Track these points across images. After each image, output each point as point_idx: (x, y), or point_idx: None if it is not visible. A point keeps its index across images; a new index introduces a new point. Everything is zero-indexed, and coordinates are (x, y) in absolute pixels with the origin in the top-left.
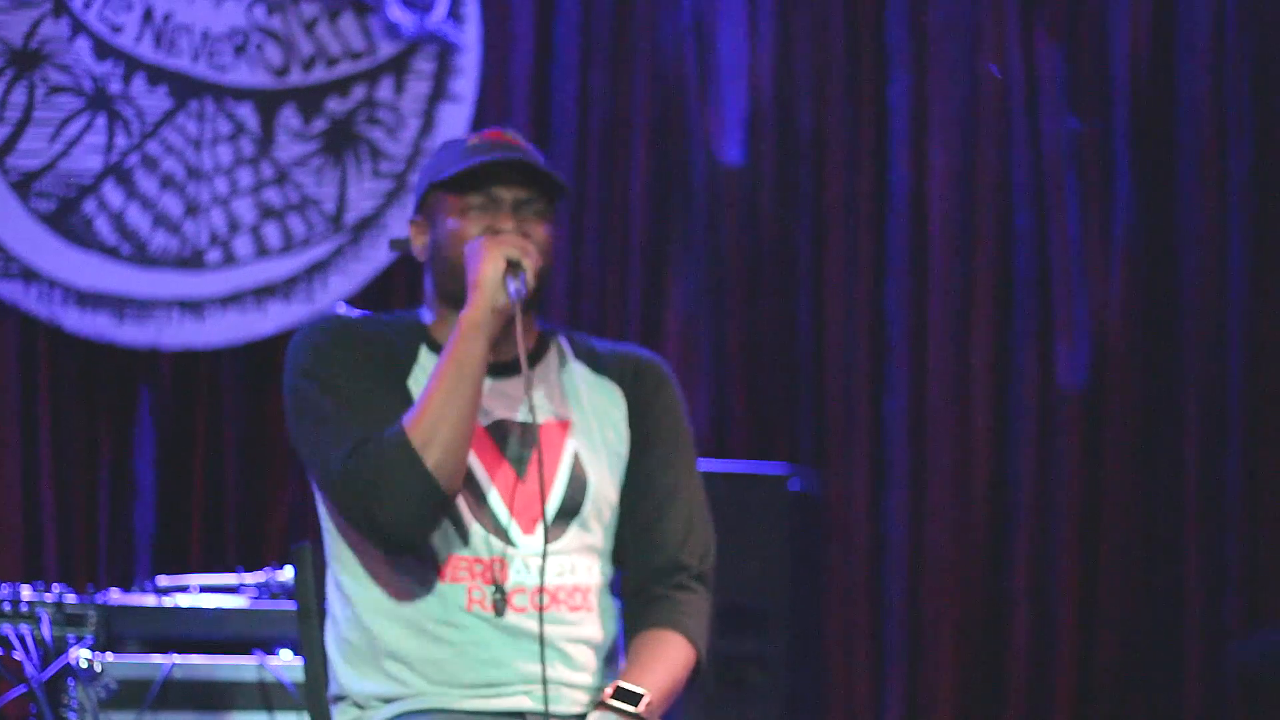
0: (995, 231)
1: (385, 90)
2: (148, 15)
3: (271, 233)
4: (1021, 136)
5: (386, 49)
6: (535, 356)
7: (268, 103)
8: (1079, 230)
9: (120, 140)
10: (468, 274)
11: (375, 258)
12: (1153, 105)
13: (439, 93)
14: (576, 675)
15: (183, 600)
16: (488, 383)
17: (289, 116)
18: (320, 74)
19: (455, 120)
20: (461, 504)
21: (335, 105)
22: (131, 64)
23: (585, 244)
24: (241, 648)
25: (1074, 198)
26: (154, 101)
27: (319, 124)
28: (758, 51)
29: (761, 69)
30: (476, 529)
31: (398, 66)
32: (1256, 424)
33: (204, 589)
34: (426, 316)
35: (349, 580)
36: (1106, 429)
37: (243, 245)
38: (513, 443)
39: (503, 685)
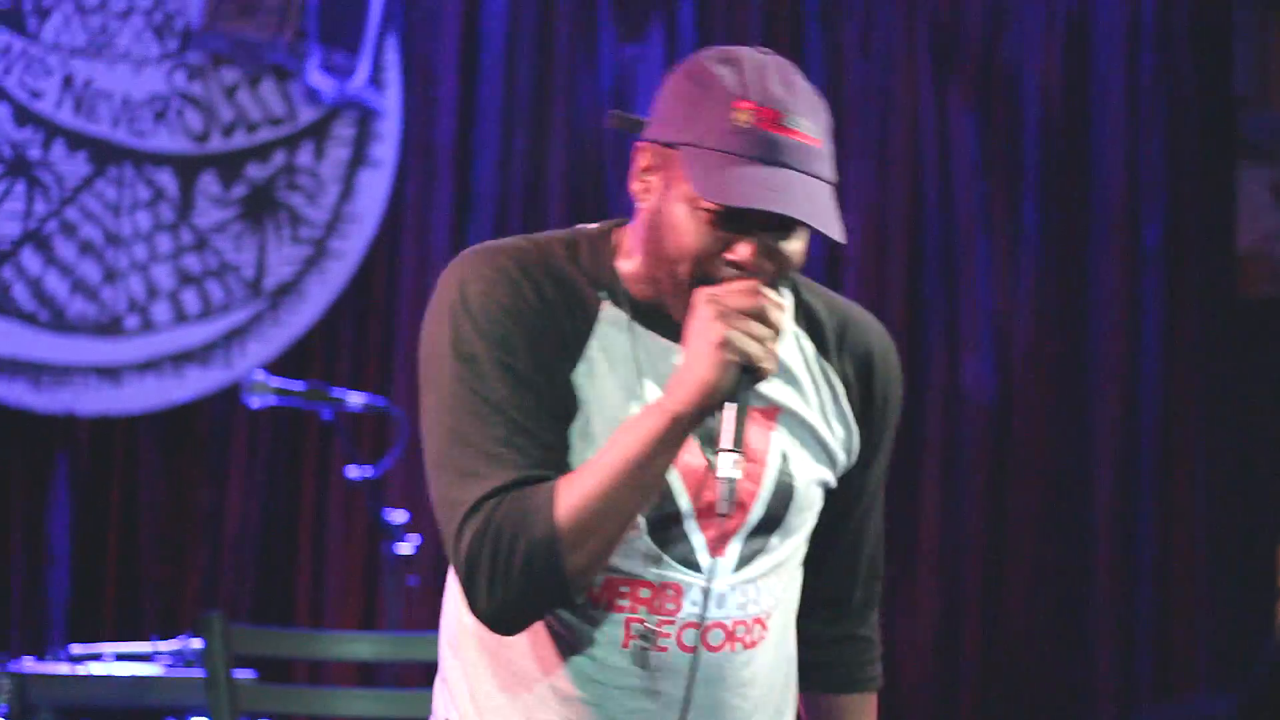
0: (905, 301)
1: (305, 156)
2: (68, 81)
3: (190, 299)
4: (933, 203)
5: (307, 115)
6: None
7: (188, 168)
8: (989, 300)
9: (39, 206)
10: (686, 348)
11: (294, 323)
12: (1065, 170)
13: (359, 159)
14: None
15: (96, 669)
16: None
17: (209, 182)
18: (241, 140)
19: (376, 186)
20: (643, 522)
21: (255, 171)
22: (51, 130)
23: None
24: (155, 716)
25: (984, 264)
26: (73, 167)
27: (239, 190)
28: None
29: None
30: (648, 545)
31: (318, 132)
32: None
33: (118, 657)
34: (627, 245)
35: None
36: (1013, 478)
37: (161, 311)
38: (713, 437)
39: None
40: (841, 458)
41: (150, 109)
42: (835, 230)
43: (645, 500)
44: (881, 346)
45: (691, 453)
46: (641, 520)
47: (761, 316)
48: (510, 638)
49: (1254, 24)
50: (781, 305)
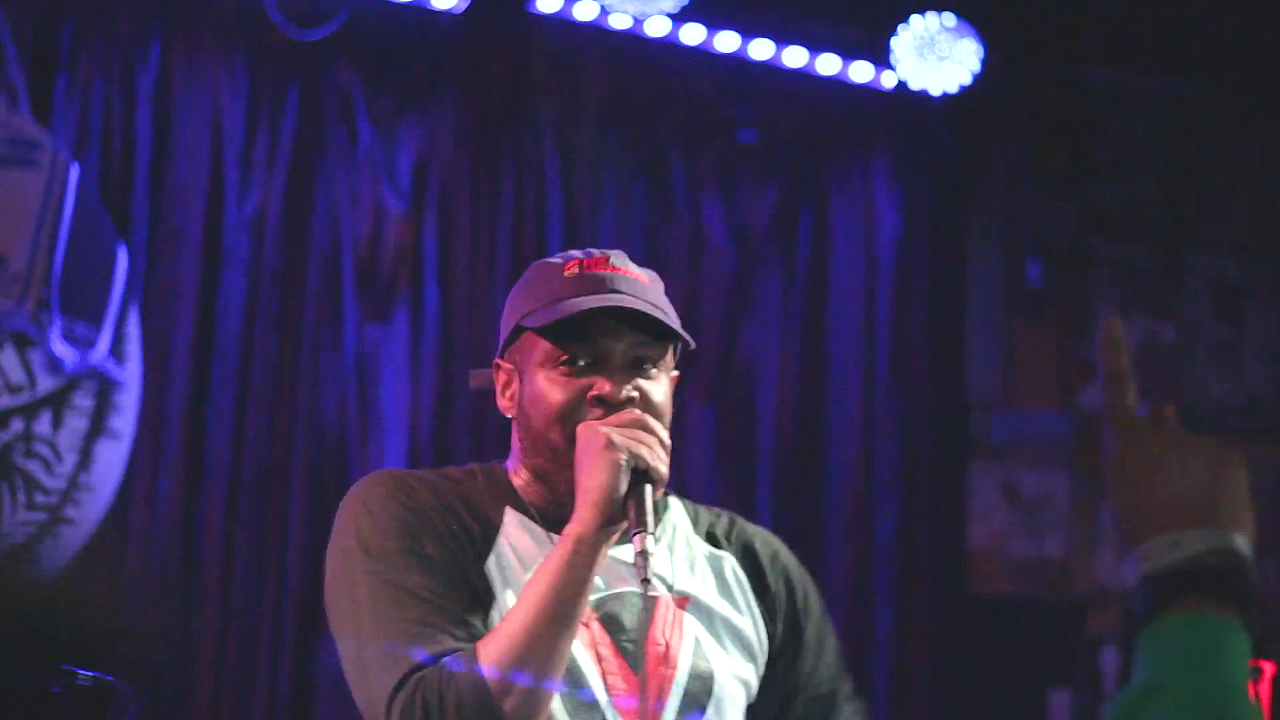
0: None
1: (43, 425)
2: None
3: None
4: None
5: (46, 384)
6: (656, 515)
7: None
8: None
9: None
10: (578, 474)
11: None
12: (800, 463)
13: (97, 429)
14: None
15: None
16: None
17: None
18: None
19: (113, 457)
20: (560, 710)
21: None
22: None
23: (235, 591)
24: None
25: None
26: None
27: None
28: (419, 395)
29: (422, 411)
30: None
31: (56, 401)
32: None
33: None
34: (513, 467)
35: None
36: None
37: None
38: (624, 624)
39: None
40: (756, 646)
41: None
42: (671, 324)
43: (565, 632)
44: (763, 539)
45: (601, 642)
46: (562, 714)
47: (641, 425)
48: None
49: (988, 327)
50: (659, 429)
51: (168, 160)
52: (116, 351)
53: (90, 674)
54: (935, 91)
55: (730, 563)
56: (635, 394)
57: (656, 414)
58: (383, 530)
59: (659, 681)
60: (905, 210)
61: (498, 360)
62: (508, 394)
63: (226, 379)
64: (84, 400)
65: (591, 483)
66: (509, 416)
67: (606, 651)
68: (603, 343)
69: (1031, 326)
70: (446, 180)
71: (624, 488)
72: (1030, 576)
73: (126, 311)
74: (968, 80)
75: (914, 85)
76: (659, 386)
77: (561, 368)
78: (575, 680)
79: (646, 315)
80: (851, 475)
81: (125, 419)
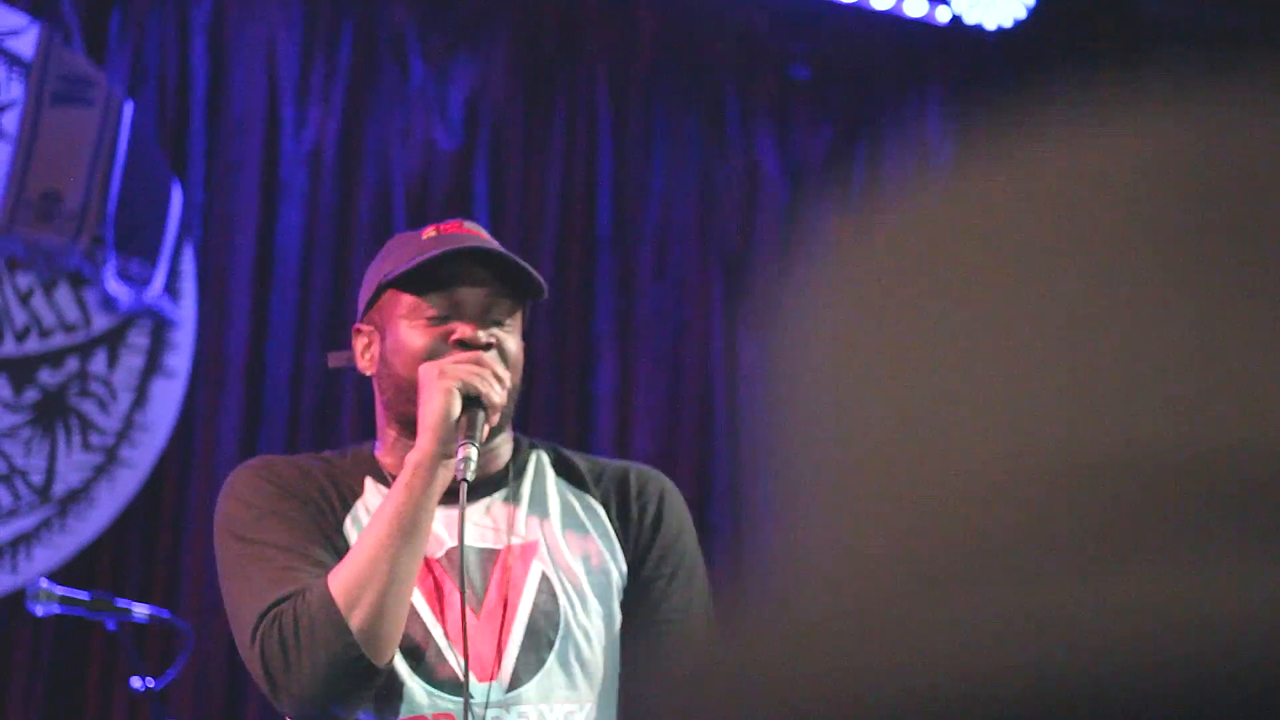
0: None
1: (99, 364)
2: None
3: None
4: (721, 427)
5: (101, 322)
6: (514, 471)
7: None
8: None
9: None
10: (419, 408)
11: (82, 530)
12: None
13: (152, 368)
14: None
15: None
16: (445, 510)
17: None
18: (33, 345)
19: (169, 396)
20: (400, 655)
21: (47, 377)
22: None
23: None
24: None
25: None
26: None
27: (30, 395)
28: None
29: None
30: (417, 685)
31: (112, 340)
32: None
33: None
34: (378, 444)
35: None
36: None
37: None
38: (468, 572)
39: None
40: (613, 570)
41: None
42: (528, 270)
43: (408, 548)
44: (638, 471)
45: (443, 585)
46: (414, 677)
47: (475, 360)
48: None
49: None
50: (496, 364)
51: (223, 96)
52: (171, 289)
53: (147, 610)
54: (990, 26)
55: (590, 500)
56: (493, 340)
57: (510, 362)
58: (248, 505)
59: (500, 621)
60: (960, 144)
61: (358, 326)
62: (367, 356)
63: (285, 315)
64: (139, 338)
65: (426, 409)
66: (369, 375)
67: (450, 592)
68: (462, 291)
69: None
70: (498, 117)
71: (456, 412)
72: None
73: (181, 249)
74: (1022, 14)
75: (968, 20)
76: (513, 338)
77: (423, 318)
78: (415, 623)
79: (503, 257)
80: None
81: (181, 357)
